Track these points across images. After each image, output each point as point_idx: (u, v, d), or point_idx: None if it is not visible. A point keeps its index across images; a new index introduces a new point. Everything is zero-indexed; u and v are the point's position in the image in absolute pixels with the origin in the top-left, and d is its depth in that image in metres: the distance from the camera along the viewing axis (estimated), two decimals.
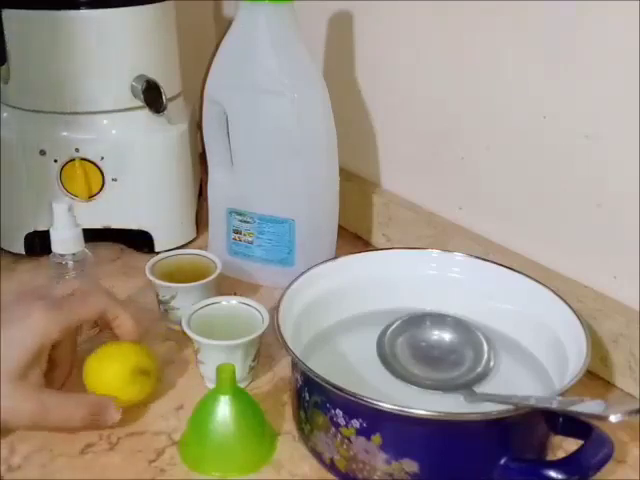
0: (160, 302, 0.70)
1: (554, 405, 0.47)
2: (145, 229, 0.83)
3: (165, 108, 0.77)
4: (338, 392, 0.48)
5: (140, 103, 0.77)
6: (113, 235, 0.84)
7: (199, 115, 0.78)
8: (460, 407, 0.55)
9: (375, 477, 0.50)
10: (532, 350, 0.61)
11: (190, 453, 0.55)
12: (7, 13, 0.73)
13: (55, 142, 0.78)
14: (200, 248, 0.79)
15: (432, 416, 0.47)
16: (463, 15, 0.71)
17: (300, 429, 0.56)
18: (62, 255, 0.65)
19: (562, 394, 0.49)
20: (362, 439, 0.49)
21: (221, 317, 0.64)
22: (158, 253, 0.74)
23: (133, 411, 0.59)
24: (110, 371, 0.57)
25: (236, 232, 0.79)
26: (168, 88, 0.79)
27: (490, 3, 0.67)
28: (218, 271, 0.70)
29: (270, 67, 0.69)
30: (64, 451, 0.55)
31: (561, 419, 0.50)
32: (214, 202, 0.80)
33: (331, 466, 0.53)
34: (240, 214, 0.78)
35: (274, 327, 0.54)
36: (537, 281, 0.61)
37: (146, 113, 0.78)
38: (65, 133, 0.78)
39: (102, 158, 0.79)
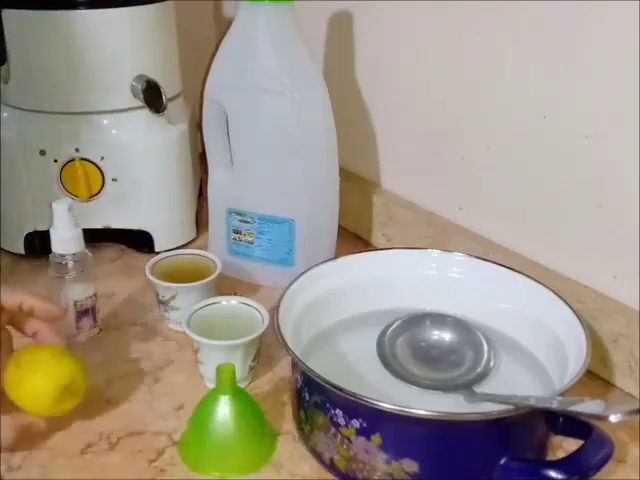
0: (160, 302, 0.70)
1: (554, 405, 0.47)
2: (145, 229, 0.83)
3: (165, 108, 0.77)
4: (338, 392, 0.48)
5: (140, 103, 0.77)
6: (113, 235, 0.84)
7: (199, 115, 0.78)
8: (460, 407, 0.54)
9: (375, 477, 0.50)
10: (532, 350, 0.61)
11: (190, 453, 0.55)
12: (7, 13, 0.73)
13: (55, 142, 0.78)
14: (200, 248, 0.79)
15: (432, 416, 0.47)
16: (463, 15, 0.71)
17: (300, 429, 0.56)
18: (62, 255, 0.65)
19: (562, 394, 0.49)
20: (362, 439, 0.49)
21: (221, 317, 0.64)
22: (158, 253, 0.74)
23: (133, 411, 0.59)
24: (33, 387, 0.52)
25: (236, 232, 0.79)
26: (168, 88, 0.79)
27: (490, 3, 0.67)
28: (218, 271, 0.70)
29: (270, 67, 0.69)
30: (64, 451, 0.55)
31: (561, 419, 0.50)
32: (214, 202, 0.80)
33: (331, 466, 0.53)
34: (240, 214, 0.78)
35: (274, 327, 0.54)
36: (537, 281, 0.61)
37: (146, 113, 0.78)
38: (65, 133, 0.78)
39: (102, 158, 0.79)
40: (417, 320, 0.63)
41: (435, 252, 0.67)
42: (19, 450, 0.54)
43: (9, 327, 0.57)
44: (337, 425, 0.50)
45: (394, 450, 0.49)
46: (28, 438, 0.54)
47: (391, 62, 0.81)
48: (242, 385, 0.62)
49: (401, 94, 0.81)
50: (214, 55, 0.73)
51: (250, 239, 0.78)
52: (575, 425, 0.49)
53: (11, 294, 0.55)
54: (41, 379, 0.52)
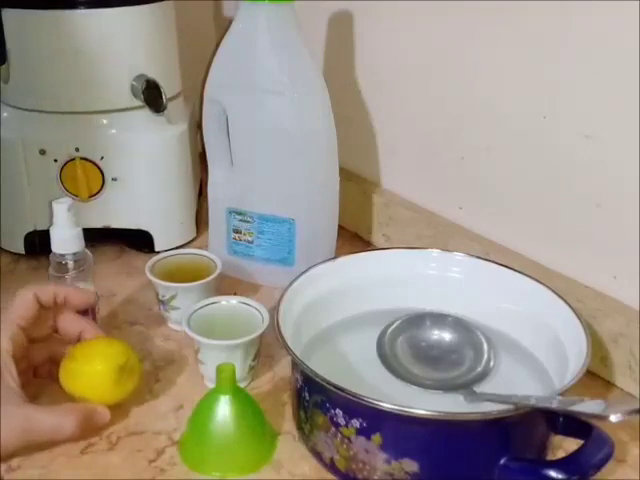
0: (160, 302, 0.70)
1: (554, 405, 0.47)
2: (145, 229, 0.83)
3: (165, 108, 0.77)
4: (338, 392, 0.48)
5: (140, 103, 0.77)
6: (113, 235, 0.84)
7: (199, 115, 0.78)
8: (460, 407, 0.55)
9: (375, 477, 0.50)
10: (532, 350, 0.61)
11: (190, 453, 0.55)
12: (7, 13, 0.73)
13: (55, 142, 0.78)
14: (200, 248, 0.79)
15: (432, 416, 0.47)
16: (463, 15, 0.71)
17: (300, 429, 0.56)
18: (62, 255, 0.65)
19: (562, 394, 0.49)
20: (362, 439, 0.49)
21: (221, 317, 0.64)
22: (158, 253, 0.74)
23: (133, 411, 0.59)
24: (93, 373, 0.55)
25: (236, 232, 0.79)
26: (168, 88, 0.79)
27: (490, 3, 0.67)
28: (218, 271, 0.70)
29: (270, 67, 0.69)
30: (64, 451, 0.55)
31: (561, 419, 0.50)
32: (214, 202, 0.80)
33: (331, 466, 0.53)
34: (240, 214, 0.78)
35: (274, 327, 0.55)
36: (537, 281, 0.61)
37: (146, 113, 0.78)
38: (65, 133, 0.78)
39: (102, 158, 0.79)
40: (417, 320, 0.63)
41: (435, 252, 0.67)
42: (83, 439, 0.55)
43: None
44: (337, 425, 0.50)
45: (394, 450, 0.49)
46: (92, 426, 0.55)
47: (391, 62, 0.81)
48: (242, 385, 0.62)
49: (401, 94, 0.81)
50: (214, 55, 0.73)
51: (250, 239, 0.78)
52: (575, 425, 0.49)
53: (44, 290, 0.59)
54: (98, 363, 0.56)
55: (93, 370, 0.56)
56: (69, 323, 0.60)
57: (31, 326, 0.58)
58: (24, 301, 0.58)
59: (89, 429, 0.55)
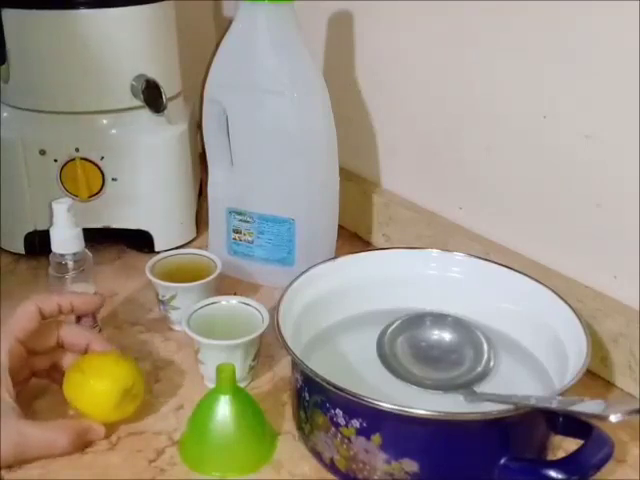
0: (160, 302, 0.70)
1: (554, 405, 0.47)
2: (145, 229, 0.83)
3: (165, 108, 0.77)
4: (338, 392, 0.48)
5: (140, 103, 0.77)
6: (113, 235, 0.84)
7: (199, 115, 0.78)
8: (460, 407, 0.55)
9: (375, 477, 0.50)
10: (532, 350, 0.61)
11: (190, 453, 0.55)
12: (7, 13, 0.73)
13: (55, 142, 0.78)
14: (200, 248, 0.79)
15: (432, 416, 0.47)
16: (463, 15, 0.71)
17: (300, 429, 0.56)
18: (62, 255, 0.65)
19: (562, 394, 0.49)
20: (362, 439, 0.49)
21: (221, 317, 0.64)
22: (158, 253, 0.74)
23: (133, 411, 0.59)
24: (97, 391, 0.55)
25: (236, 232, 0.79)
26: (168, 88, 0.79)
27: (490, 3, 0.67)
28: (218, 271, 0.70)
29: (270, 67, 0.69)
30: None
31: (561, 419, 0.50)
32: (214, 202, 0.80)
33: (331, 466, 0.53)
34: (240, 214, 0.78)
35: (274, 327, 0.55)
36: (537, 281, 0.61)
37: (146, 113, 0.78)
38: (65, 133, 0.78)
39: (102, 158, 0.79)
40: (417, 320, 0.63)
41: (435, 252, 0.67)
42: (76, 453, 0.55)
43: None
44: (337, 425, 0.50)
45: (394, 450, 0.49)
46: (85, 442, 0.55)
47: (391, 62, 0.81)
48: (242, 385, 0.62)
49: (401, 94, 0.81)
50: (214, 55, 0.73)
51: (250, 239, 0.79)
52: (575, 425, 0.49)
53: (47, 300, 0.58)
54: (105, 383, 0.55)
55: (98, 388, 0.55)
56: (75, 336, 0.59)
57: (32, 339, 0.57)
58: (25, 312, 0.57)
59: (82, 445, 0.55)
